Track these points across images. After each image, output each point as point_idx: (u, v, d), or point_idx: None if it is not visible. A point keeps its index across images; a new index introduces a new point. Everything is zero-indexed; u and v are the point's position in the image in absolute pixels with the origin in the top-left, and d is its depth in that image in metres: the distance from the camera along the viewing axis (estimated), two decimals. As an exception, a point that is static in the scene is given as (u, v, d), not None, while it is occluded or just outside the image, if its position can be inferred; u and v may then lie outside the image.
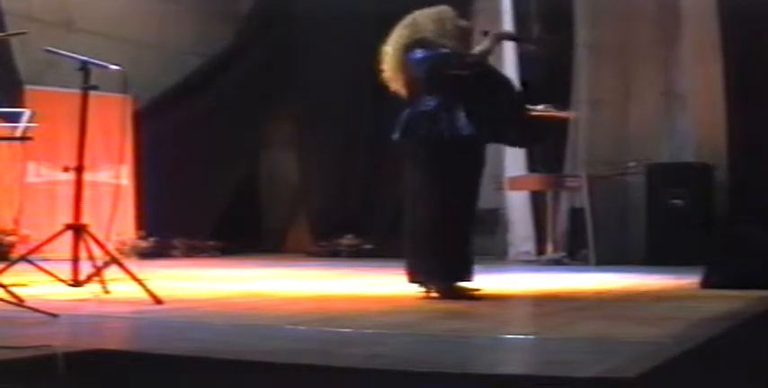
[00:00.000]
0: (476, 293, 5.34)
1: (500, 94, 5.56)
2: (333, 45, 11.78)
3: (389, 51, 5.52)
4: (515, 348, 3.49)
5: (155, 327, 3.95)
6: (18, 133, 5.14)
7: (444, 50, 5.35)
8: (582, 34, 10.28)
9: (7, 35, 8.34)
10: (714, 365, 3.33)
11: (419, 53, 5.36)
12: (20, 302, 4.33)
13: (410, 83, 5.46)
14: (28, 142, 5.35)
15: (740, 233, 6.33)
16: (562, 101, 6.32)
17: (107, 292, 5.17)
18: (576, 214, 9.90)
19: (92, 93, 5.39)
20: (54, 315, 3.94)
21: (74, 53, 5.44)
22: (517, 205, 10.69)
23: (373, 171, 11.64)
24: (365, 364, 2.89)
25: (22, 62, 9.64)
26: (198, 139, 11.26)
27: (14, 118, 5.15)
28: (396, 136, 5.43)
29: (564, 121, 6.10)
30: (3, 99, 8.17)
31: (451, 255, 5.39)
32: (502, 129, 5.59)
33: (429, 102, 5.33)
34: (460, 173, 5.36)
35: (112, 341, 3.63)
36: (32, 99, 8.93)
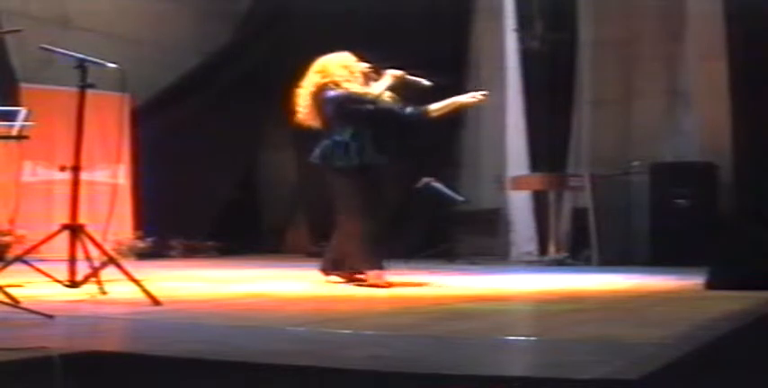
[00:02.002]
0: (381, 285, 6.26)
1: (391, 124, 6.64)
2: (332, 44, 11.75)
3: (303, 93, 6.63)
4: (517, 349, 3.48)
5: (152, 328, 3.94)
6: (14, 132, 5.14)
7: (349, 91, 6.47)
8: (585, 32, 10.28)
9: (3, 33, 8.33)
10: (719, 368, 3.32)
11: (330, 93, 6.48)
12: (15, 303, 4.32)
13: (325, 118, 6.55)
14: (24, 141, 5.35)
15: (745, 234, 6.32)
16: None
17: (104, 293, 5.15)
18: (578, 214, 9.90)
19: (89, 92, 5.38)
20: (50, 316, 3.91)
21: (71, 51, 5.41)
22: (520, 205, 10.70)
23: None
24: (365, 365, 2.88)
25: (18, 60, 9.64)
26: (196, 139, 11.25)
27: (10, 116, 5.15)
28: (315, 161, 6.62)
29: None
30: (-1, 97, 8.16)
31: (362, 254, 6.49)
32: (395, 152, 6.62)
33: (340, 134, 6.45)
34: (364, 191, 6.47)
35: (109, 343, 3.61)
36: (29, 97, 8.93)
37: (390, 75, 6.59)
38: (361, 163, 6.38)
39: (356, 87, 6.52)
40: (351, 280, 6.52)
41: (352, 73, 6.61)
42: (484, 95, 6.89)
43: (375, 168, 6.47)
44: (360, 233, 6.42)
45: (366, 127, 6.44)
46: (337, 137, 6.45)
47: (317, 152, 6.59)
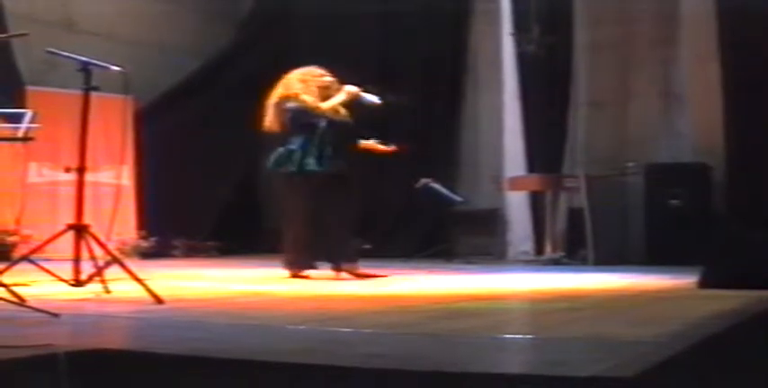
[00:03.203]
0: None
1: (341, 136, 7.31)
2: (333, 45, 11.79)
3: (269, 103, 7.33)
4: (513, 347, 3.48)
5: (156, 327, 3.94)
6: (20, 134, 5.14)
7: (304, 104, 7.15)
8: (581, 35, 10.30)
9: (9, 36, 8.35)
10: (712, 365, 3.33)
11: (287, 105, 7.19)
12: (21, 301, 4.33)
13: (283, 126, 7.25)
14: (29, 142, 5.36)
15: (738, 233, 6.34)
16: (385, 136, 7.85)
17: (108, 292, 5.16)
18: (574, 214, 9.91)
19: (93, 94, 5.40)
20: (55, 315, 3.93)
21: (75, 54, 5.44)
22: (516, 205, 10.72)
23: (373, 171, 11.63)
24: (365, 363, 2.89)
25: (23, 63, 9.65)
26: (198, 140, 11.26)
27: (16, 118, 5.16)
28: (270, 166, 7.30)
29: (388, 153, 7.78)
30: (4, 100, 8.18)
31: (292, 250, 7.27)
32: (340, 163, 7.26)
33: (293, 143, 7.17)
34: (302, 197, 7.17)
35: (114, 341, 3.62)
36: (34, 99, 8.94)
37: (345, 92, 7.27)
38: (300, 171, 7.09)
39: (310, 100, 7.17)
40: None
41: (308, 86, 7.24)
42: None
43: (314, 176, 7.10)
44: (291, 236, 7.20)
45: (314, 137, 7.14)
46: (289, 146, 7.18)
47: (270, 158, 7.31)
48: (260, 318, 4.35)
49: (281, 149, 7.25)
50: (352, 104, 7.38)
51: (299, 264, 7.17)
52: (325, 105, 7.22)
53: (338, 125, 7.29)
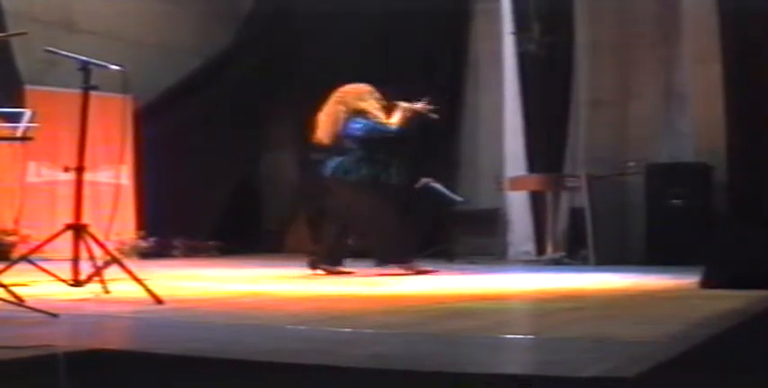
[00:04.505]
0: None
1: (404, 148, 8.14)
2: (333, 45, 11.79)
3: (325, 119, 7.77)
4: (514, 347, 3.48)
5: (155, 327, 3.94)
6: (19, 133, 5.14)
7: (376, 120, 7.61)
8: (582, 34, 10.29)
9: (8, 35, 8.35)
10: (714, 365, 3.32)
11: (359, 121, 7.62)
12: (20, 301, 4.33)
13: (339, 141, 7.66)
14: (28, 142, 5.35)
15: (740, 233, 6.33)
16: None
17: (107, 292, 5.16)
18: (575, 214, 9.90)
19: (92, 93, 5.39)
20: (54, 315, 3.93)
21: (74, 53, 5.44)
22: (517, 205, 10.71)
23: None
24: (365, 364, 2.89)
25: (22, 62, 9.65)
26: (198, 139, 11.27)
27: (15, 118, 5.15)
28: (328, 174, 7.69)
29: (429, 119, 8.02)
30: (3, 99, 8.18)
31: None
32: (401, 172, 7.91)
33: (355, 153, 7.60)
34: (373, 200, 7.61)
35: (113, 341, 3.62)
36: (33, 99, 8.94)
37: (402, 108, 7.71)
38: (369, 178, 7.52)
39: (381, 115, 7.66)
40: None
41: (370, 102, 7.70)
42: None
43: (383, 182, 7.59)
44: (386, 238, 7.66)
45: (376, 148, 7.61)
46: (352, 155, 7.60)
47: (330, 167, 7.68)
48: (260, 318, 4.35)
49: (340, 159, 7.65)
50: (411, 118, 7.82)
51: (409, 258, 7.67)
52: (394, 120, 7.69)
53: (405, 138, 7.93)
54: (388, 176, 7.67)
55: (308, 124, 12.00)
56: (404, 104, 7.77)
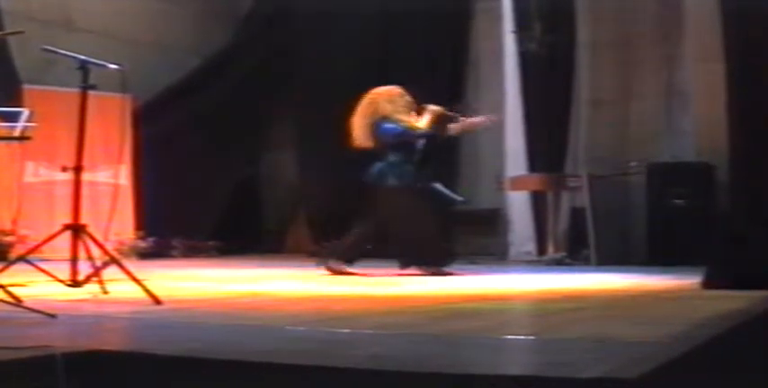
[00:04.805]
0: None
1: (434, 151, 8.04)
2: (333, 45, 11.79)
3: (359, 122, 7.82)
4: (515, 348, 3.47)
5: (154, 327, 3.93)
6: (16, 132, 5.12)
7: (403, 124, 7.70)
8: (583, 33, 10.29)
9: (6, 34, 8.35)
10: (715, 366, 3.32)
11: (388, 125, 7.70)
12: (18, 302, 4.32)
13: (378, 143, 7.75)
14: (26, 141, 5.34)
15: (742, 233, 6.32)
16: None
17: (106, 292, 5.16)
18: (577, 214, 9.90)
19: (91, 93, 5.38)
20: (52, 316, 3.92)
21: (72, 52, 5.42)
22: (518, 205, 10.71)
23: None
24: (365, 364, 2.88)
25: (20, 61, 9.64)
26: (197, 139, 11.27)
27: (13, 117, 5.14)
28: (369, 180, 7.75)
29: (456, 122, 8.20)
30: (1, 98, 8.18)
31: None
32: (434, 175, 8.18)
33: (390, 158, 7.72)
34: (415, 203, 7.75)
35: (111, 342, 3.61)
36: (31, 98, 8.94)
37: (432, 111, 7.81)
38: (408, 183, 7.67)
39: (407, 119, 7.75)
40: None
41: (397, 105, 7.77)
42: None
43: (419, 186, 7.77)
44: (420, 242, 7.72)
45: (414, 153, 7.78)
46: (388, 160, 7.72)
47: (370, 172, 7.78)
48: (259, 319, 4.35)
49: (380, 164, 7.77)
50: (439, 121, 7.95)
51: (439, 263, 7.70)
52: (422, 124, 7.78)
53: (434, 141, 7.98)
54: (422, 179, 7.82)
55: (308, 124, 12.14)
56: (433, 107, 7.86)
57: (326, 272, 7.70)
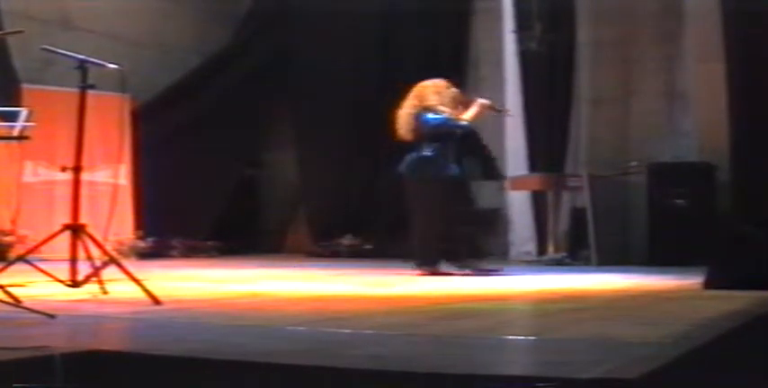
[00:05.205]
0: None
1: (478, 145, 8.07)
2: (333, 44, 11.78)
3: (404, 113, 7.82)
4: (516, 348, 3.48)
5: (153, 327, 3.94)
6: (15, 132, 5.11)
7: (446, 116, 7.73)
8: (583, 33, 10.28)
9: (4, 34, 8.34)
10: (716, 367, 3.32)
11: (429, 117, 7.72)
12: (17, 302, 4.32)
13: (418, 135, 7.75)
14: (25, 141, 5.33)
15: (743, 234, 6.32)
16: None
17: (105, 292, 5.16)
18: (577, 214, 9.89)
19: (90, 92, 5.39)
20: (52, 316, 3.92)
21: (71, 52, 5.42)
22: (518, 205, 10.70)
23: (373, 171, 11.63)
24: (365, 364, 2.89)
25: (19, 61, 9.64)
26: (197, 139, 11.27)
27: (12, 117, 5.13)
28: (403, 172, 7.75)
29: (503, 116, 8.60)
30: (0, 98, 8.17)
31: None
32: (486, 169, 8.23)
33: (429, 150, 7.70)
34: (443, 197, 7.69)
35: (110, 342, 3.63)
36: (30, 98, 8.94)
37: (478, 104, 7.93)
38: (439, 176, 7.62)
39: (449, 111, 7.77)
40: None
41: (443, 98, 7.82)
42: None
43: (452, 180, 7.69)
44: (421, 233, 7.76)
45: (452, 145, 7.72)
46: (423, 153, 7.71)
47: (402, 164, 7.80)
48: (259, 319, 4.35)
49: (414, 155, 7.76)
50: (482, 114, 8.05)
51: (434, 262, 7.70)
52: (467, 116, 7.87)
53: (475, 134, 8.01)
54: (456, 173, 7.74)
55: (308, 124, 12.14)
56: (481, 100, 7.98)
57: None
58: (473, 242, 7.98)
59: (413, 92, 7.91)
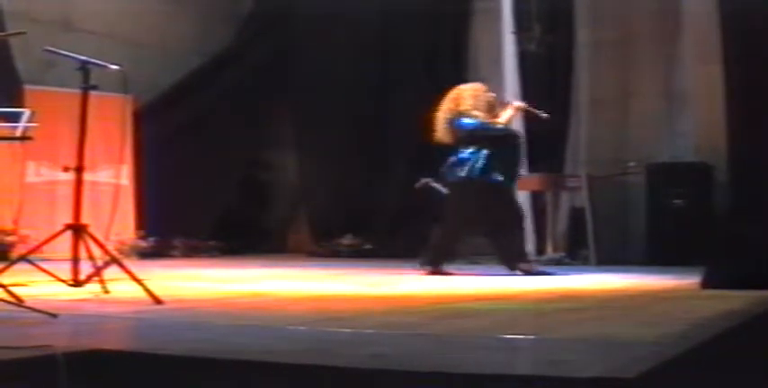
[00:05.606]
0: None
1: (515, 148, 8.38)
2: (333, 45, 11.79)
3: (440, 117, 7.95)
4: (515, 348, 3.47)
5: (155, 327, 3.94)
6: (18, 133, 5.13)
7: (481, 120, 7.82)
8: (582, 33, 10.28)
9: (7, 35, 8.35)
10: (714, 366, 3.33)
11: (465, 121, 7.83)
12: (19, 302, 4.33)
13: (455, 138, 7.89)
14: (28, 142, 5.35)
15: (740, 233, 6.33)
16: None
17: (107, 292, 5.17)
18: (576, 214, 9.89)
19: (92, 93, 5.40)
20: (54, 315, 3.93)
21: (73, 53, 5.43)
22: (518, 205, 10.68)
23: (373, 171, 11.64)
24: (366, 364, 2.88)
25: (21, 62, 9.65)
26: (198, 139, 11.27)
27: (14, 117, 5.14)
28: (443, 174, 8.01)
29: (539, 119, 8.37)
30: (3, 99, 8.18)
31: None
32: (514, 172, 8.30)
33: (463, 153, 7.84)
34: (475, 200, 7.83)
35: (112, 341, 3.62)
36: (32, 99, 8.94)
37: (514, 107, 8.12)
38: (469, 178, 7.75)
39: (483, 115, 7.86)
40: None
41: (478, 102, 7.90)
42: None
43: (489, 183, 7.79)
44: (445, 237, 7.97)
45: (488, 148, 7.79)
46: (460, 155, 7.85)
47: (444, 166, 8.00)
48: (260, 318, 4.35)
49: (453, 158, 7.90)
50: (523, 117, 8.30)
51: (440, 263, 7.82)
52: (502, 119, 7.98)
53: (511, 137, 8.25)
54: (495, 179, 7.83)
55: (308, 124, 12.14)
56: (516, 103, 8.17)
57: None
58: (521, 245, 8.20)
59: (450, 96, 8.01)
